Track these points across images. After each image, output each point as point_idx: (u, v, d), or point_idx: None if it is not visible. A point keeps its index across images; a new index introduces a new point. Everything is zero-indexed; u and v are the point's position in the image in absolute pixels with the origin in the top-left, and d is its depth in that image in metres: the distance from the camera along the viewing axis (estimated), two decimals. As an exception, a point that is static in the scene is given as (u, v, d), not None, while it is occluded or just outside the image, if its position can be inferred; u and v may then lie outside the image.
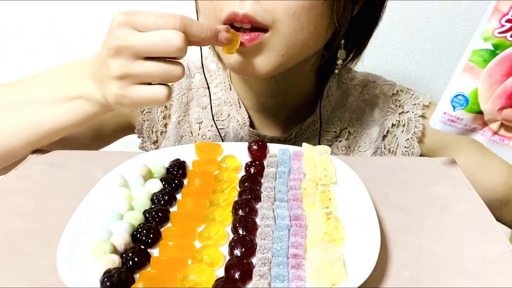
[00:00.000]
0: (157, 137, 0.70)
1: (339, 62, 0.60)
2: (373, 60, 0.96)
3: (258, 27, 0.49)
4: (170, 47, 0.43)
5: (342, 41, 0.57)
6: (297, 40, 0.50)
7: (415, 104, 0.67)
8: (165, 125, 0.70)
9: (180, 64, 0.46)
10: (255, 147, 0.50)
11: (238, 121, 0.66)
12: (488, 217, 0.43)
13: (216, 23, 0.49)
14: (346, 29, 0.55)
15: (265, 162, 0.49)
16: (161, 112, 0.69)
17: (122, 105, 0.47)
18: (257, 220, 0.40)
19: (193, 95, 0.69)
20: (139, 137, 0.72)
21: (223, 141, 0.67)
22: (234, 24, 0.49)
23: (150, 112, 0.69)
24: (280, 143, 0.64)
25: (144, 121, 0.69)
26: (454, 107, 0.44)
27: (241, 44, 0.49)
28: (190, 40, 0.45)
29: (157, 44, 0.43)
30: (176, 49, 0.43)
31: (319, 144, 0.63)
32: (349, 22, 0.55)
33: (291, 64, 0.54)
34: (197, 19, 0.59)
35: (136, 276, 0.34)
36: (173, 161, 0.49)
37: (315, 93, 0.66)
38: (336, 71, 0.61)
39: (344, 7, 0.51)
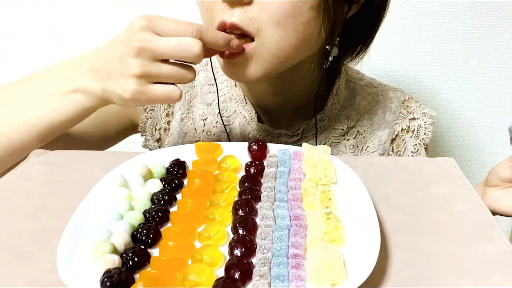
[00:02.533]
0: (160, 134, 0.72)
1: (330, 58, 0.60)
2: (372, 60, 0.96)
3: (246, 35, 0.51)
4: (189, 53, 0.46)
5: (337, 39, 0.58)
6: (284, 47, 0.52)
7: (424, 113, 0.70)
8: (168, 123, 0.71)
9: (193, 68, 0.49)
10: (255, 147, 0.50)
11: (244, 116, 0.67)
12: (488, 217, 0.43)
13: None
14: (340, 30, 0.55)
15: (265, 162, 0.49)
16: (164, 109, 0.71)
17: (137, 101, 0.48)
18: (257, 220, 0.40)
19: (197, 92, 0.70)
20: (142, 135, 0.73)
21: (228, 136, 0.68)
22: (226, 31, 0.51)
23: (153, 109, 0.70)
24: (287, 137, 0.66)
25: (148, 118, 0.71)
26: None
27: (227, 56, 0.52)
28: (205, 47, 0.48)
29: (178, 50, 0.46)
30: (194, 56, 0.46)
31: (316, 141, 0.65)
32: (348, 20, 0.56)
33: (284, 68, 0.55)
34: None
35: (136, 276, 0.34)
36: (173, 161, 0.50)
37: (323, 90, 0.67)
38: (324, 66, 0.61)
39: (335, 11, 0.51)
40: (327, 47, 0.57)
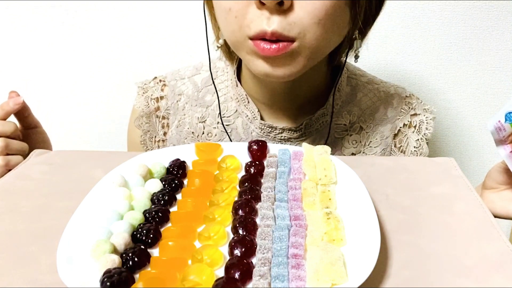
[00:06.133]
0: (158, 146, 0.73)
1: (358, 51, 0.61)
2: (373, 60, 0.96)
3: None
4: None
5: (357, 32, 0.58)
6: (323, 44, 0.52)
7: (425, 109, 0.72)
8: (165, 134, 0.73)
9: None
10: (255, 147, 0.50)
11: (247, 115, 0.67)
12: (488, 217, 0.43)
13: (242, 38, 0.51)
14: (363, 19, 0.56)
15: (265, 162, 0.49)
16: (160, 121, 0.72)
17: None
18: (257, 220, 0.40)
19: (189, 98, 0.71)
20: (143, 148, 0.74)
21: (229, 137, 0.68)
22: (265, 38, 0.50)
23: (149, 123, 0.72)
24: (290, 132, 0.66)
25: (146, 132, 0.72)
26: (506, 119, 0.52)
27: (269, 53, 0.49)
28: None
29: None
30: None
31: (328, 135, 0.66)
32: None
33: (315, 63, 0.55)
34: (205, 24, 0.60)
35: (136, 276, 0.34)
36: (173, 161, 0.50)
37: (325, 86, 0.68)
38: (356, 61, 0.62)
39: (362, 2, 0.52)
40: (356, 40, 0.58)
